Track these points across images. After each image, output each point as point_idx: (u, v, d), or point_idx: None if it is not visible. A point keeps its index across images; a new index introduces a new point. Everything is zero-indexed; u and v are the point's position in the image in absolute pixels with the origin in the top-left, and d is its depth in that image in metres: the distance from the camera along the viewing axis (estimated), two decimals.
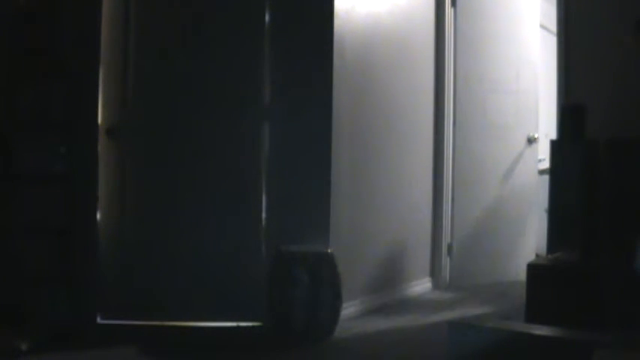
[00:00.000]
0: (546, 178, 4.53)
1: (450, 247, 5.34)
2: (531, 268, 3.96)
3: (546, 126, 5.87)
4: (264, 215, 4.10)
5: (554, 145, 4.34)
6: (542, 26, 5.86)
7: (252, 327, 4.00)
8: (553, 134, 4.91)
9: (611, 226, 4.01)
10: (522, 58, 5.56)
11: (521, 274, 4.20)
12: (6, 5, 3.85)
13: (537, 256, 5.41)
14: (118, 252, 4.05)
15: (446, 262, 5.33)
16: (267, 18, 4.08)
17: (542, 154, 5.70)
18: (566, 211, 4.18)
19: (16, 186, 3.82)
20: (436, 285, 5.28)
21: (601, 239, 4.04)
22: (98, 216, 4.00)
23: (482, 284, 5.34)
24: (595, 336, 2.91)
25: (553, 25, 4.90)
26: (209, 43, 4.07)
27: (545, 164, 4.98)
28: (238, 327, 4.01)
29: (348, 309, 4.12)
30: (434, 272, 5.30)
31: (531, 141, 5.61)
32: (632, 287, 3.64)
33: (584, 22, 4.48)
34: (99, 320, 3.99)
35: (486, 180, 5.47)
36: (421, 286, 5.12)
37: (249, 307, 4.02)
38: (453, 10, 5.29)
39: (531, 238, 5.62)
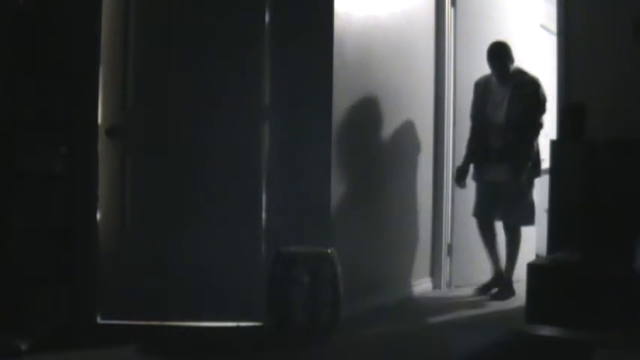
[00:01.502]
0: (546, 178, 4.54)
1: (450, 247, 5.34)
2: (531, 268, 3.96)
3: (546, 126, 5.86)
4: (264, 215, 4.10)
5: (554, 145, 4.34)
6: (542, 26, 5.86)
7: (252, 327, 4.00)
8: (553, 134, 4.91)
9: (611, 226, 4.01)
10: (522, 58, 5.56)
11: (521, 274, 4.20)
12: (6, 5, 3.84)
13: (537, 256, 5.41)
14: (118, 252, 4.05)
15: (446, 262, 5.32)
16: (267, 18, 4.08)
17: (542, 154, 5.69)
18: (566, 211, 4.18)
19: (17, 186, 3.82)
20: (436, 285, 5.28)
21: (601, 239, 4.04)
22: (98, 216, 4.00)
23: (483, 284, 5.34)
24: (595, 336, 2.91)
25: (553, 25, 4.90)
26: (209, 43, 4.06)
27: (545, 164, 4.97)
28: (238, 327, 4.01)
29: (348, 309, 4.12)
30: (434, 272, 5.30)
31: None
32: (632, 287, 3.64)
33: (584, 22, 4.48)
34: (99, 320, 3.99)
35: None
36: (421, 286, 5.12)
37: (249, 307, 4.02)
38: (453, 10, 5.28)
39: (531, 238, 5.61)
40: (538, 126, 4.88)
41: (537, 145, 4.95)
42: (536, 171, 4.96)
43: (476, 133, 5.04)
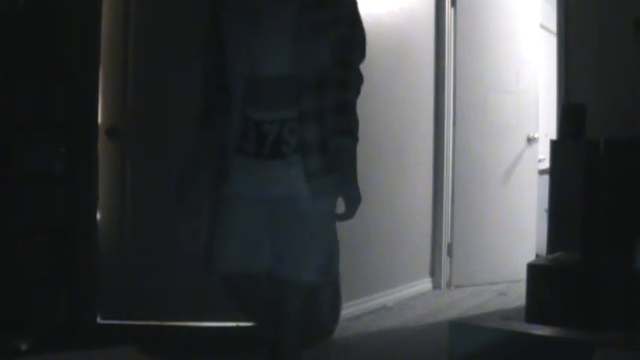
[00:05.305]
0: (546, 178, 4.53)
1: (450, 247, 5.34)
2: (531, 268, 3.96)
3: (546, 126, 5.87)
4: None
5: (554, 145, 4.34)
6: (542, 26, 5.86)
7: (252, 327, 3.99)
8: (553, 134, 4.91)
9: (611, 226, 4.01)
10: (522, 58, 5.57)
11: (521, 274, 4.20)
12: (6, 5, 3.84)
13: (537, 256, 5.41)
14: (118, 252, 4.04)
15: (446, 262, 5.33)
16: None
17: (542, 154, 5.70)
18: (566, 211, 4.18)
19: (16, 186, 3.82)
20: (436, 285, 5.28)
21: (601, 239, 4.04)
22: (98, 216, 4.00)
23: (482, 284, 5.35)
24: (595, 336, 2.91)
25: (553, 25, 4.90)
26: None
27: (545, 164, 4.96)
28: (238, 327, 4.01)
29: (348, 309, 4.12)
30: (434, 272, 5.30)
31: (531, 141, 5.61)
32: (632, 287, 3.64)
33: (584, 22, 4.48)
34: (99, 320, 3.98)
35: (486, 180, 5.47)
36: (421, 286, 5.12)
37: None
38: (453, 10, 5.29)
39: (531, 238, 5.62)
40: (357, 81, 2.72)
41: (356, 120, 2.66)
42: (349, 173, 2.66)
43: (222, 99, 2.53)
